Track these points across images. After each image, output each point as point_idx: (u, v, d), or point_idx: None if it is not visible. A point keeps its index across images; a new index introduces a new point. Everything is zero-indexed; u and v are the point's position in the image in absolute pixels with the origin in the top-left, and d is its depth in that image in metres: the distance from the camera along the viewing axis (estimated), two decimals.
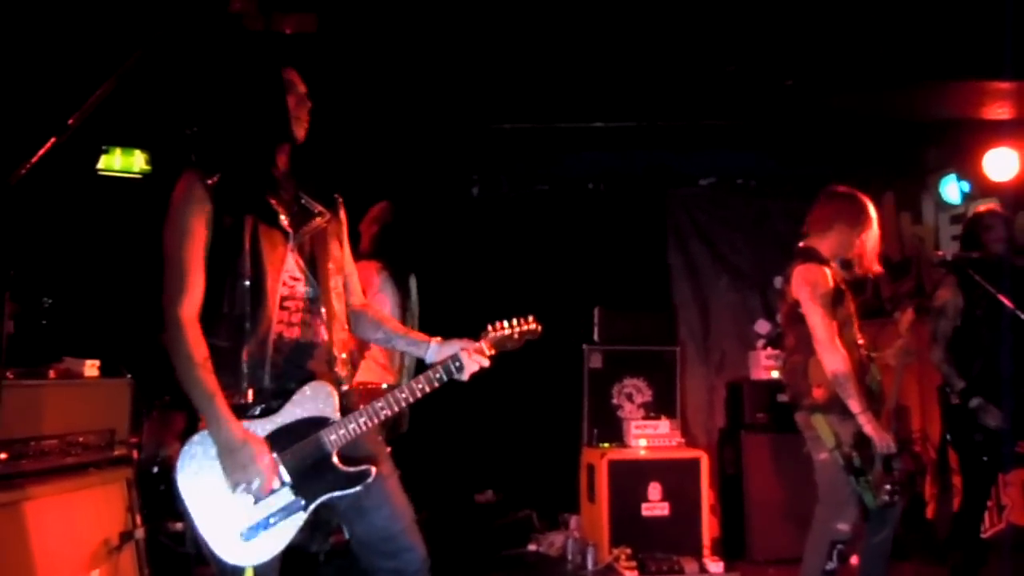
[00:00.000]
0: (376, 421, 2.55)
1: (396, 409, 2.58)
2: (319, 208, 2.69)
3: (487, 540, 5.94)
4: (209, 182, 2.49)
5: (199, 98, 5.01)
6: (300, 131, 2.65)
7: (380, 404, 2.56)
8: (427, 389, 2.63)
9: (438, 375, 2.64)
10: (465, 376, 2.69)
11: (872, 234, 3.79)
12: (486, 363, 2.71)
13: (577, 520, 6.05)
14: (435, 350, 2.75)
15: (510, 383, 6.30)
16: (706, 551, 5.44)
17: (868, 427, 3.52)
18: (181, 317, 2.41)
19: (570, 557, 5.73)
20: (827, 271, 3.69)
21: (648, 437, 5.75)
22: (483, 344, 2.73)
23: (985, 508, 4.78)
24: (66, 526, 3.14)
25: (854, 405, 3.52)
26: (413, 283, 4.85)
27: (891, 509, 3.67)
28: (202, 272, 2.46)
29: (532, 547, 6.03)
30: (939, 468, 5.61)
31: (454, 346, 2.72)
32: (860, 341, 3.72)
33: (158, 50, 2.11)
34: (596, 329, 6.21)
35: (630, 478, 5.53)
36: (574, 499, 6.08)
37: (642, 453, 5.68)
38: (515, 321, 2.79)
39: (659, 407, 6.09)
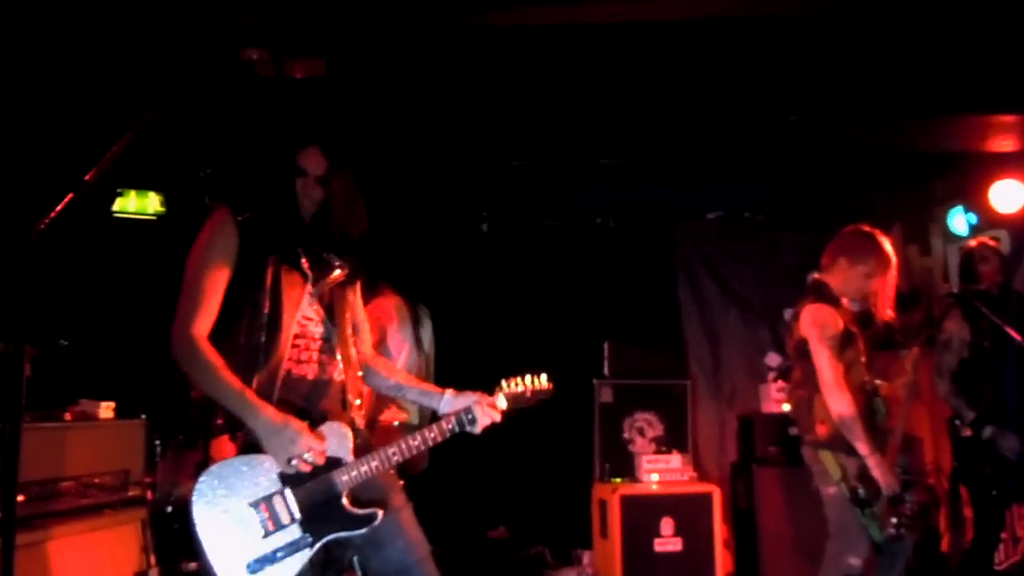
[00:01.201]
0: (388, 466, 2.60)
1: (408, 455, 2.62)
2: (338, 262, 2.76)
3: None
4: (240, 219, 2.59)
5: (216, 143, 5.11)
6: (306, 208, 2.69)
7: (392, 450, 2.60)
8: (439, 439, 2.67)
9: (451, 426, 2.69)
10: (478, 429, 2.73)
11: (888, 279, 3.78)
12: (498, 418, 2.76)
13: (590, 556, 6.03)
14: (448, 401, 2.80)
15: (521, 418, 6.30)
16: None
17: (876, 470, 3.52)
18: (194, 334, 2.49)
19: None
20: (836, 312, 3.70)
21: (660, 472, 5.75)
22: (499, 398, 2.78)
23: (998, 541, 4.75)
24: (82, 567, 3.17)
25: (862, 448, 3.52)
26: (426, 318, 4.87)
27: (902, 542, 3.66)
28: (218, 301, 2.54)
29: None
30: (951, 501, 5.59)
31: (468, 399, 2.77)
32: (866, 378, 3.73)
33: (173, 102, 2.18)
34: (606, 363, 6.22)
35: (642, 513, 5.52)
36: (587, 535, 6.06)
37: (654, 488, 5.67)
38: (529, 380, 2.84)
39: (671, 441, 6.08)
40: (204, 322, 2.52)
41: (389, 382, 2.92)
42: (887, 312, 3.78)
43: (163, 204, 5.68)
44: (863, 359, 3.74)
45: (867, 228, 3.86)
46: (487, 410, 2.73)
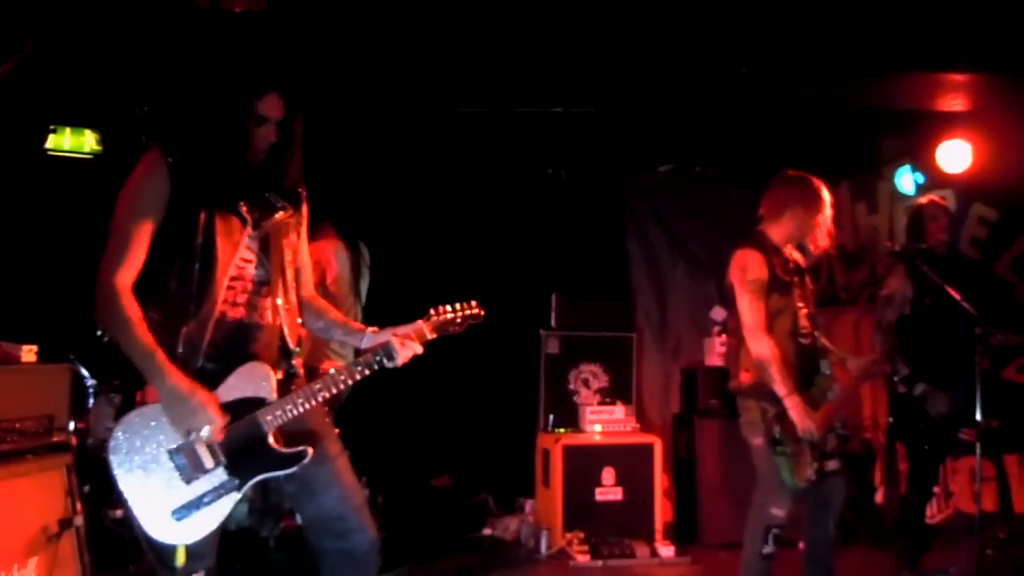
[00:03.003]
0: (314, 403, 2.56)
1: (334, 391, 2.58)
2: (282, 203, 2.68)
3: (443, 524, 5.94)
4: (170, 160, 2.49)
5: (155, 79, 4.93)
6: (257, 153, 2.59)
7: (318, 386, 2.56)
8: (358, 376, 2.64)
9: (369, 362, 2.66)
10: (399, 362, 2.70)
11: (824, 216, 3.76)
12: (419, 350, 2.73)
13: (532, 504, 6.07)
14: (369, 339, 2.77)
15: (467, 368, 6.30)
16: (658, 535, 5.50)
17: (793, 411, 3.52)
18: (116, 284, 2.41)
19: (524, 541, 5.76)
20: (763, 257, 3.69)
21: (603, 422, 5.78)
22: (424, 328, 2.74)
23: (930, 495, 4.87)
24: (3, 514, 3.08)
25: (779, 388, 3.53)
26: (365, 268, 4.81)
27: (836, 492, 3.71)
28: (145, 249, 2.46)
29: (487, 531, 6.03)
30: (887, 455, 5.70)
31: (386, 334, 2.73)
32: (806, 331, 3.73)
33: (66, 27, 2.06)
34: (553, 314, 6.20)
35: (584, 463, 5.56)
36: (530, 484, 6.10)
37: (597, 438, 5.70)
38: (458, 306, 2.82)
39: (615, 392, 6.11)
40: (128, 271, 2.43)
41: (318, 323, 2.88)
42: (822, 242, 3.76)
43: (99, 143, 5.49)
44: (803, 310, 3.73)
45: (794, 173, 3.83)
46: (407, 343, 2.70)
